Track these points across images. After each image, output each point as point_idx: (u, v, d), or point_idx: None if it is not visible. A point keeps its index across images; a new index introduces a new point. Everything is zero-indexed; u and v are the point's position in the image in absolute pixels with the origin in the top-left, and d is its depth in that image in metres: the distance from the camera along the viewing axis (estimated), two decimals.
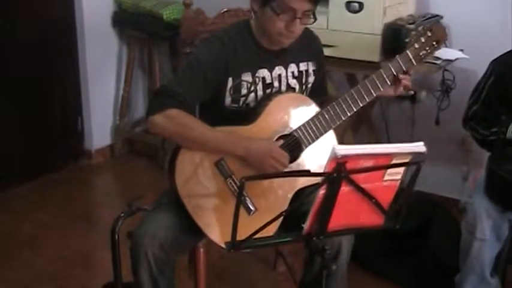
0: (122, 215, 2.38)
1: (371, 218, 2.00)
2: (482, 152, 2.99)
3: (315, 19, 2.38)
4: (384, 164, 1.90)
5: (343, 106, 2.40)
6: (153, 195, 2.58)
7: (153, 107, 2.33)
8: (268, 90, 2.46)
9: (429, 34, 2.46)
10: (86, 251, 3.65)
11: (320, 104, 2.47)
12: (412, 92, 2.55)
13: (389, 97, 2.56)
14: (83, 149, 4.76)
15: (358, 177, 1.88)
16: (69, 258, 3.54)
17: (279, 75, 2.48)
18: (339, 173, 1.83)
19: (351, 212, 1.96)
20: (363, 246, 3.14)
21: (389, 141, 3.81)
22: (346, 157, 1.81)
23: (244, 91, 2.43)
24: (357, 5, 3.34)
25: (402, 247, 3.39)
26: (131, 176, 4.63)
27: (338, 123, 2.42)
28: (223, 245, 2.05)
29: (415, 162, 1.92)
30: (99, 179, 4.69)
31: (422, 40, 2.46)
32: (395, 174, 1.94)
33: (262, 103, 2.42)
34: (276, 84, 2.48)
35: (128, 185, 4.51)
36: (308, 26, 2.43)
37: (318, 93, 2.60)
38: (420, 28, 2.52)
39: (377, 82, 2.42)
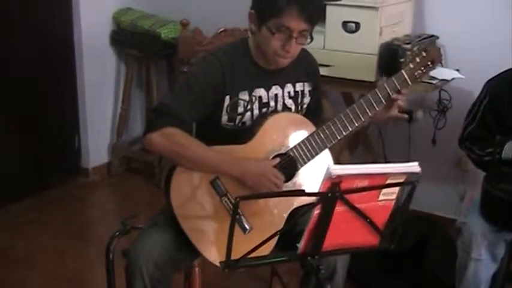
0: (117, 233, 2.38)
1: (366, 238, 2.00)
2: (478, 171, 3.00)
3: (312, 39, 2.39)
4: (378, 184, 1.90)
5: (339, 125, 2.41)
6: (150, 213, 2.58)
7: (150, 125, 2.33)
8: (264, 110, 2.47)
9: (424, 54, 2.48)
10: (81, 269, 3.64)
11: (316, 124, 2.48)
12: (405, 116, 2.55)
13: (384, 121, 2.57)
14: (80, 167, 4.76)
15: (353, 197, 1.88)
16: (64, 277, 3.52)
17: (276, 95, 2.49)
18: (333, 192, 1.83)
19: (345, 232, 1.96)
20: (360, 265, 3.14)
21: (386, 161, 3.81)
22: (341, 177, 1.81)
23: (240, 109, 2.43)
24: (353, 25, 3.35)
25: (399, 266, 3.38)
26: (128, 194, 4.62)
27: (333, 142, 2.42)
28: (219, 264, 2.04)
29: (409, 182, 1.93)
30: (95, 196, 4.69)
31: (417, 60, 2.47)
32: (390, 194, 1.94)
33: (258, 122, 2.43)
34: (272, 103, 2.48)
35: (124, 203, 4.51)
36: (305, 46, 2.44)
37: (313, 113, 2.61)
38: (415, 48, 2.53)
39: (372, 101, 2.43)
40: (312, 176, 2.42)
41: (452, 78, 3.48)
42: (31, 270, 3.57)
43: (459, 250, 2.84)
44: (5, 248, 3.80)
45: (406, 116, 2.56)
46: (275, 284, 3.30)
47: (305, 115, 2.56)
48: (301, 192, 2.34)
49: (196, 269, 2.55)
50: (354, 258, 2.48)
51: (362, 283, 3.38)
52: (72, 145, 4.71)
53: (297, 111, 2.55)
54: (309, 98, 2.59)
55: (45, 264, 3.64)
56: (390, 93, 2.43)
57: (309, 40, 2.38)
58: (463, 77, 3.49)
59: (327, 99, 3.42)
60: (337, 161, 2.51)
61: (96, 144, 4.77)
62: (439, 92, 3.71)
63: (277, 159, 2.39)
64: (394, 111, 2.49)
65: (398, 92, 2.45)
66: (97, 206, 4.63)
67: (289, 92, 2.52)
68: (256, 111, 2.45)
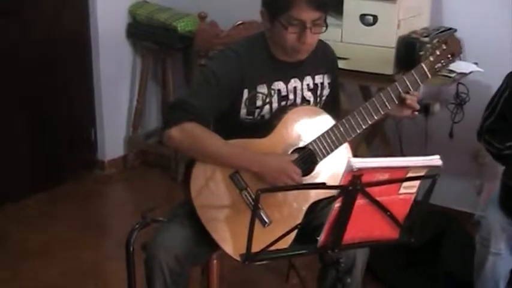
0: (137, 226, 2.38)
1: (386, 232, 1.99)
2: (496, 165, 2.98)
3: (327, 27, 2.37)
4: (399, 177, 1.89)
5: (358, 119, 2.40)
6: (166, 206, 2.59)
7: (168, 121, 2.33)
8: (283, 103, 2.46)
9: (444, 47, 2.46)
10: (98, 262, 3.65)
11: (334, 117, 2.47)
12: (416, 114, 2.52)
13: (398, 118, 2.55)
14: (96, 160, 4.77)
15: (374, 190, 1.87)
16: (81, 270, 3.53)
17: (295, 88, 2.48)
18: (354, 185, 1.83)
19: (366, 225, 1.96)
20: (377, 259, 3.12)
21: (402, 154, 3.80)
22: (362, 170, 1.81)
23: (259, 103, 2.43)
24: (371, 17, 3.34)
25: (416, 260, 3.37)
26: (144, 187, 4.63)
27: (353, 136, 2.41)
28: (237, 258, 2.04)
29: (430, 176, 1.92)
30: (111, 189, 4.70)
31: (438, 53, 2.45)
32: (410, 188, 1.93)
33: (277, 116, 2.42)
34: (291, 96, 2.47)
35: (140, 196, 4.51)
36: (322, 39, 2.42)
37: (331, 106, 2.60)
38: (435, 41, 2.51)
39: (392, 95, 2.41)
40: (331, 169, 2.41)
41: (471, 72, 3.46)
42: (47, 263, 3.58)
43: (478, 244, 2.83)
44: (21, 240, 3.81)
45: (416, 114, 2.53)
46: (292, 278, 3.31)
47: (323, 107, 2.55)
48: (323, 186, 2.32)
49: (214, 261, 2.54)
50: (370, 252, 2.47)
51: (378, 277, 3.37)
52: (88, 138, 4.72)
53: (315, 103, 2.54)
54: (328, 90, 2.58)
55: (62, 257, 3.64)
56: (410, 86, 2.42)
57: (324, 28, 2.36)
58: (481, 70, 3.47)
59: (343, 92, 3.41)
60: (354, 155, 2.50)
61: (112, 137, 4.77)
62: (457, 85, 3.69)
63: (296, 155, 2.38)
64: (406, 112, 2.47)
65: (408, 92, 2.43)
66: (113, 199, 4.64)
67: (308, 85, 2.51)
68: (275, 105, 2.44)
